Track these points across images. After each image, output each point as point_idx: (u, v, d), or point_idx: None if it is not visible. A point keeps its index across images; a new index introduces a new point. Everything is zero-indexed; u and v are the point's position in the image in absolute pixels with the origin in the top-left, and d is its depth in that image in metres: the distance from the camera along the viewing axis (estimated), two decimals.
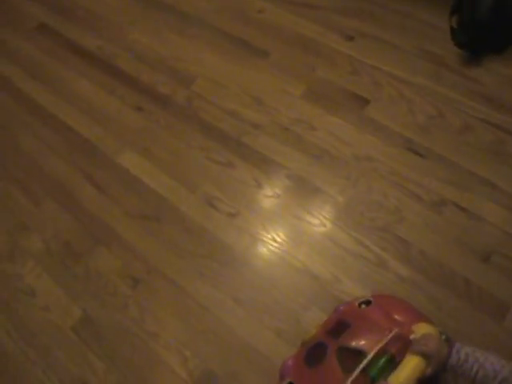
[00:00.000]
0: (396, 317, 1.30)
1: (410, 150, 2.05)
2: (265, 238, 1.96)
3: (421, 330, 1.24)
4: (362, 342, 1.25)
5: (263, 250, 1.94)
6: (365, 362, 1.20)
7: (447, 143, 2.05)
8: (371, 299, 1.42)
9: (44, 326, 1.98)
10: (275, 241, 1.95)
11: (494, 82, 2.18)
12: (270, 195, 2.05)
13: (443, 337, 1.23)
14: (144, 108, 2.39)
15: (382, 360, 1.21)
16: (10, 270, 2.13)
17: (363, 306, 1.40)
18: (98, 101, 2.49)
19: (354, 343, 1.25)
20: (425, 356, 1.18)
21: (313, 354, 1.33)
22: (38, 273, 2.08)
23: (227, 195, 2.08)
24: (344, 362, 1.24)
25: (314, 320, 1.71)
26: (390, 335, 1.23)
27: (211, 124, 2.28)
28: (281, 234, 1.96)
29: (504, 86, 2.17)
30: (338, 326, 1.34)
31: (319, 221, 1.96)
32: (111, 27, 2.74)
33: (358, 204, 1.97)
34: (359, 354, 1.23)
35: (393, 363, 1.19)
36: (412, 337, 1.22)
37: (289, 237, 1.94)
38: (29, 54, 2.78)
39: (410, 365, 1.17)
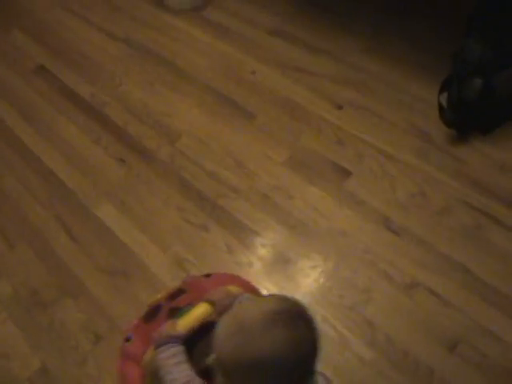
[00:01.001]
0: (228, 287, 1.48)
1: (386, 227, 2.03)
2: None
3: (230, 288, 1.44)
4: (186, 303, 1.49)
5: None
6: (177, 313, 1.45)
7: (425, 224, 2.03)
8: (211, 274, 1.67)
9: (1, 374, 1.95)
10: None
11: (480, 164, 2.17)
12: (240, 262, 2.03)
13: (246, 295, 1.39)
14: (126, 160, 2.40)
15: (187, 308, 1.44)
16: None
17: (203, 278, 1.64)
18: (82, 148, 2.51)
19: (181, 304, 1.49)
20: (211, 303, 1.39)
21: (150, 313, 1.55)
22: (3, 319, 2.07)
23: (198, 258, 2.06)
24: (171, 317, 1.45)
25: None
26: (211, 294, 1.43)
27: (190, 183, 2.27)
28: None
29: (490, 170, 2.15)
30: (177, 292, 1.58)
31: (286, 293, 1.92)
32: (105, 75, 2.78)
33: (328, 279, 1.94)
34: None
35: None
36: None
37: None
38: (24, 95, 2.82)
39: (197, 309, 1.40)
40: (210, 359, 1.17)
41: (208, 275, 1.66)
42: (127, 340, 1.56)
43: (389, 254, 1.97)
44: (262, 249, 2.06)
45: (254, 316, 1.06)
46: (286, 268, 2.00)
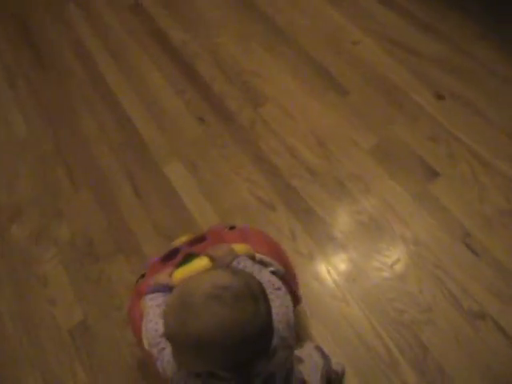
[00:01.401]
0: (250, 243, 1.45)
1: (465, 243, 1.85)
2: None
3: (237, 247, 1.38)
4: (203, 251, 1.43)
5: None
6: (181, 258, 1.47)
7: (509, 248, 1.83)
8: (236, 226, 1.62)
9: (45, 319, 1.98)
10: None
11: None
12: (301, 252, 1.92)
13: (243, 258, 1.34)
14: (205, 119, 2.31)
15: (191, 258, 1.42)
16: (33, 252, 2.13)
17: (227, 229, 1.61)
18: (164, 98, 2.43)
19: (197, 251, 1.46)
20: (211, 259, 1.34)
21: (169, 254, 1.55)
22: (56, 263, 2.07)
23: None
24: (184, 262, 1.43)
25: None
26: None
27: (266, 155, 2.16)
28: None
29: None
30: (198, 238, 1.57)
31: (342, 295, 1.82)
32: (202, 24, 2.65)
33: (390, 290, 1.80)
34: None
35: None
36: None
37: (304, 302, 1.80)
38: (114, 31, 2.75)
39: (197, 262, 1.38)
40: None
41: (233, 227, 1.62)
42: (142, 276, 1.58)
43: (461, 274, 1.80)
44: (326, 241, 1.93)
45: (198, 290, 1.03)
46: (348, 267, 1.87)
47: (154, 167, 2.22)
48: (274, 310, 1.11)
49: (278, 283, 1.27)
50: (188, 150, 2.24)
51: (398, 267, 1.84)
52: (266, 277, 1.27)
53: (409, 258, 1.85)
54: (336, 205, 2.00)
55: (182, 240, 1.62)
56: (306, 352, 1.48)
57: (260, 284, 1.09)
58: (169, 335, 1.07)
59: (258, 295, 1.05)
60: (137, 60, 2.60)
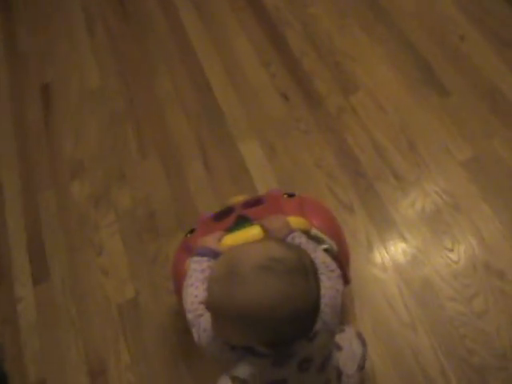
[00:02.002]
0: (307, 215, 1.43)
1: None
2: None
3: (293, 220, 1.35)
4: (256, 216, 1.41)
5: None
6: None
7: None
8: (296, 194, 1.55)
9: (95, 290, 1.93)
10: None
11: None
12: (375, 262, 1.80)
13: (298, 234, 1.30)
14: (290, 98, 2.17)
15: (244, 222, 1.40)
16: (91, 215, 2.07)
17: (286, 196, 1.54)
18: (248, 67, 2.29)
19: (251, 215, 1.42)
20: (264, 229, 1.31)
21: (222, 213, 1.49)
22: (113, 231, 2.01)
23: None
24: (236, 224, 1.41)
25: None
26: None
27: (351, 150, 2.02)
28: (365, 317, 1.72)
29: None
30: (255, 201, 1.51)
31: (411, 320, 1.69)
32: None
33: (464, 325, 1.67)
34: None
35: None
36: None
37: (370, 324, 1.70)
38: None
39: (250, 230, 1.35)
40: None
41: (292, 195, 1.55)
42: (191, 232, 1.53)
43: None
44: (403, 258, 1.80)
45: (249, 260, 1.00)
46: (422, 290, 1.74)
47: (228, 141, 2.11)
48: (322, 291, 1.07)
49: (333, 265, 1.25)
50: (267, 128, 2.11)
51: (477, 302, 1.70)
52: (320, 257, 1.25)
53: (490, 294, 1.71)
54: (419, 221, 1.85)
55: (238, 199, 1.57)
56: (346, 338, 1.44)
57: (312, 261, 1.06)
58: (212, 304, 1.04)
59: (310, 272, 1.02)
60: (224, 20, 2.46)
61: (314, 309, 1.04)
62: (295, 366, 1.10)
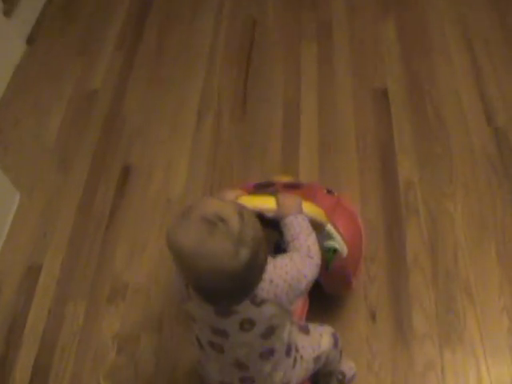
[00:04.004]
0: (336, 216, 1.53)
1: None
2: None
3: (308, 206, 1.41)
4: None
5: None
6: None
7: None
8: (336, 194, 1.65)
9: None
10: None
11: None
12: None
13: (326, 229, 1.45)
14: (377, 319, 1.81)
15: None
16: (108, 360, 1.85)
17: (325, 191, 1.63)
18: None
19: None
20: (277, 203, 1.38)
21: (263, 185, 1.61)
22: None
23: None
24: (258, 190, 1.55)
25: None
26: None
27: None
28: None
29: None
30: (293, 184, 1.60)
31: None
32: None
33: None
34: None
35: None
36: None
37: None
38: None
39: (264, 197, 1.42)
40: None
41: (330, 192, 1.64)
42: None
43: None
44: None
45: (201, 210, 1.10)
46: None
47: None
48: (286, 268, 1.21)
49: (315, 254, 1.30)
50: None
51: None
52: (309, 241, 1.31)
53: None
54: None
55: (281, 178, 1.66)
56: (319, 330, 1.49)
57: (261, 239, 1.13)
58: (166, 236, 1.12)
59: (246, 247, 1.09)
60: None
61: (236, 279, 1.11)
62: (237, 324, 1.20)
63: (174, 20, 2.86)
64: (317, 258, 1.30)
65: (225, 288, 1.13)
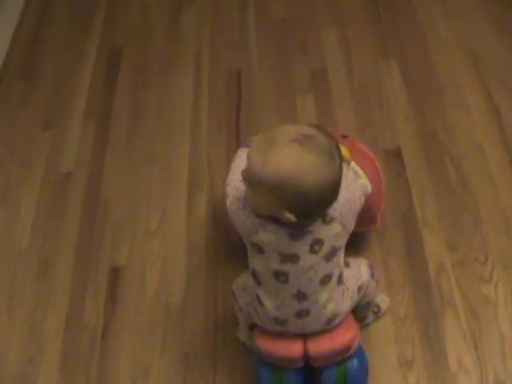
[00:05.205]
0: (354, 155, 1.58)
1: None
2: None
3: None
4: None
5: None
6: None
7: None
8: (351, 139, 1.80)
9: None
10: None
11: None
12: None
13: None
14: None
15: None
16: None
17: (340, 136, 1.73)
18: None
19: None
20: None
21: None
22: None
23: None
24: None
25: None
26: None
27: None
28: None
29: None
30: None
31: None
32: None
33: None
34: None
35: None
36: None
37: None
38: None
39: None
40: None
41: (345, 136, 1.79)
42: None
43: None
44: None
45: (285, 134, 1.19)
46: None
47: None
48: (347, 190, 1.32)
49: (363, 176, 1.43)
50: None
51: None
52: (354, 166, 1.44)
53: None
54: None
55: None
56: (357, 262, 1.56)
57: (340, 152, 1.23)
58: (248, 171, 1.22)
59: (336, 156, 1.20)
60: None
61: (334, 186, 1.23)
62: (308, 245, 1.30)
63: (148, 78, 2.60)
64: (363, 186, 1.42)
65: (327, 198, 1.24)
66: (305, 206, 1.22)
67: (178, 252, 2.05)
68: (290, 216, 1.21)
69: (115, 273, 2.03)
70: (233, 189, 1.41)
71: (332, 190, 1.23)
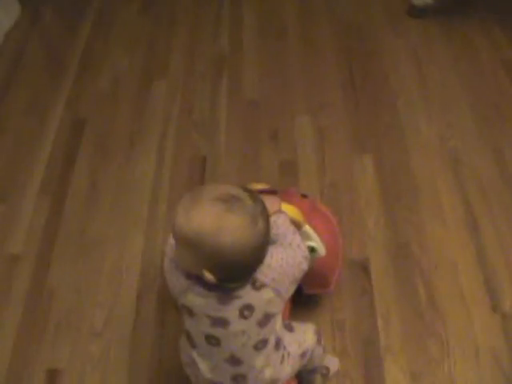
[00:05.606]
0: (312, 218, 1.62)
1: None
2: None
3: (286, 207, 1.48)
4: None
5: None
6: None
7: None
8: (309, 196, 1.81)
9: None
10: None
11: None
12: None
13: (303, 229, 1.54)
14: None
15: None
16: None
17: (300, 196, 1.76)
18: None
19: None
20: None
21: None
22: None
23: None
24: None
25: None
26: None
27: None
28: None
29: None
30: (270, 191, 1.59)
31: None
32: None
33: None
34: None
35: None
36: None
37: None
38: None
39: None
40: None
41: (305, 196, 1.76)
42: None
43: None
44: None
45: (211, 193, 1.19)
46: None
47: None
48: (282, 255, 1.31)
49: (304, 247, 1.38)
50: None
51: None
52: (296, 239, 1.37)
53: None
54: None
55: (256, 186, 1.66)
56: (302, 327, 1.54)
57: (267, 217, 1.22)
58: (174, 227, 1.20)
59: (260, 221, 1.19)
60: None
61: (255, 250, 1.20)
62: (237, 310, 1.26)
63: (109, 155, 2.45)
64: (306, 251, 1.38)
65: (246, 262, 1.20)
66: (223, 267, 1.20)
67: (122, 355, 1.90)
68: (209, 276, 1.20)
69: (52, 376, 1.88)
70: (171, 249, 1.35)
71: (252, 254, 1.20)
